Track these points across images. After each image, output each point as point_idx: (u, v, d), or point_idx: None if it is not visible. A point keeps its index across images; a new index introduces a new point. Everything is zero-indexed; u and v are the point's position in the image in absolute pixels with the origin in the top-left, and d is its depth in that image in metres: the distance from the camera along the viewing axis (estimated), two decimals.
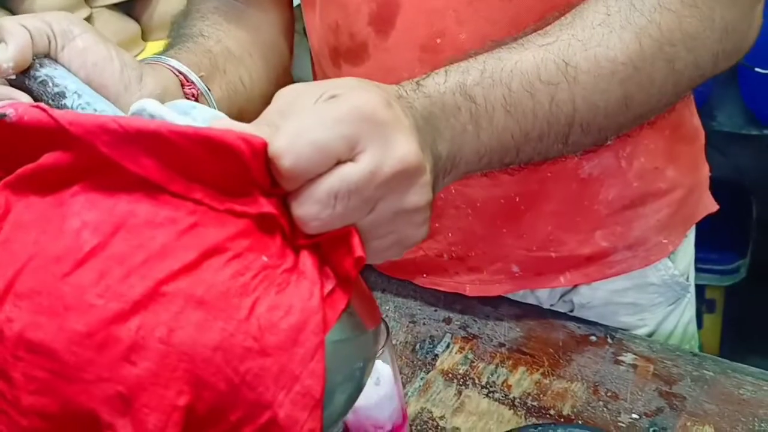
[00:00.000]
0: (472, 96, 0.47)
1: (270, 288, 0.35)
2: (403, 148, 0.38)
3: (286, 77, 0.74)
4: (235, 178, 0.35)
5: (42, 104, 0.36)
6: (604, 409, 0.69)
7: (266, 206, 0.36)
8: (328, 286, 0.37)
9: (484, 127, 0.47)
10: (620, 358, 0.74)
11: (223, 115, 0.41)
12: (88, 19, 1.13)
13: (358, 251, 0.37)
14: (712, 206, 0.79)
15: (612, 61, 0.51)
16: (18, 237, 0.35)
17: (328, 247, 0.37)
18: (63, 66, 0.48)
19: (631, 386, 0.71)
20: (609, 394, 0.70)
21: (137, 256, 0.33)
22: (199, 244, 0.34)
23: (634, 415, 0.68)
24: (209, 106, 0.59)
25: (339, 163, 0.37)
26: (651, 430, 0.66)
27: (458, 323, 0.81)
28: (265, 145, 0.35)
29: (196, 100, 0.58)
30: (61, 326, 0.32)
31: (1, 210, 0.36)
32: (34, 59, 0.47)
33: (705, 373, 0.71)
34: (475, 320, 0.81)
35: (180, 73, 0.58)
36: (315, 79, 0.80)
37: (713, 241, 1.60)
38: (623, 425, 0.67)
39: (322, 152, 0.36)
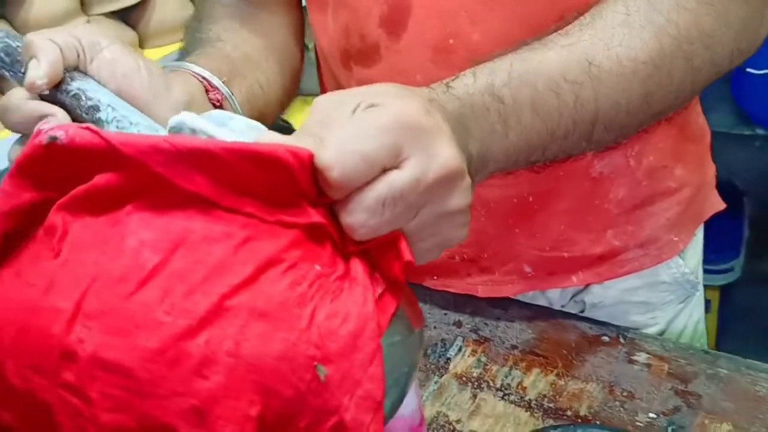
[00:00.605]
0: (500, 97, 0.47)
1: (325, 296, 0.36)
2: (445, 154, 0.39)
3: (298, 80, 0.74)
4: (284, 190, 0.36)
5: (91, 126, 0.36)
6: (621, 408, 0.68)
7: (315, 216, 0.37)
8: (378, 290, 0.38)
9: (512, 126, 0.48)
10: (634, 357, 0.74)
11: (259, 124, 0.41)
12: None
13: (407, 255, 0.38)
14: (719, 204, 0.80)
15: (633, 60, 0.51)
16: (78, 258, 0.35)
17: (377, 252, 0.38)
18: (93, 78, 0.48)
19: (646, 385, 0.70)
20: (625, 393, 0.70)
21: (198, 272, 0.34)
22: (255, 257, 0.35)
23: (651, 415, 0.68)
24: (233, 111, 0.59)
25: (384, 171, 0.37)
26: (669, 429, 0.66)
27: (469, 326, 0.80)
28: (311, 157, 0.36)
29: (221, 105, 0.58)
30: (133, 345, 0.33)
31: (60, 231, 0.36)
32: (64, 73, 0.47)
33: (719, 370, 0.71)
34: (486, 323, 0.80)
35: (204, 79, 0.58)
36: (322, 82, 0.80)
37: (707, 241, 1.60)
38: (641, 425, 0.67)
39: (368, 162, 0.37)
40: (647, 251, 0.74)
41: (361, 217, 0.37)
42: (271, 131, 0.40)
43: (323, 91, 0.81)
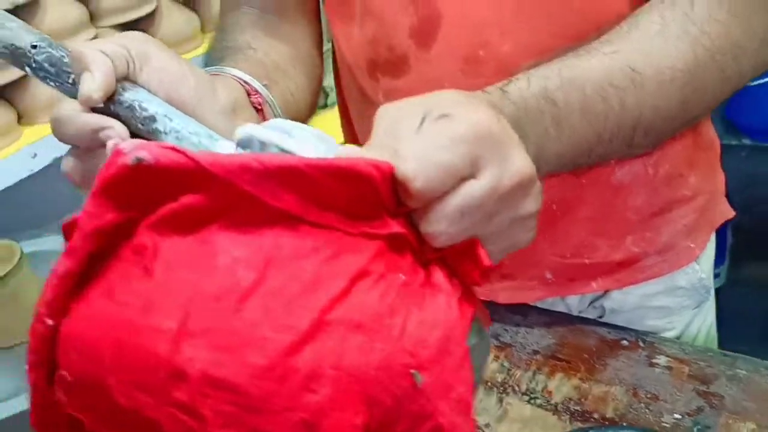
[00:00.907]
0: (553, 100, 0.49)
1: (412, 304, 0.36)
2: (518, 161, 0.40)
3: (320, 89, 0.75)
4: (365, 202, 0.37)
5: (176, 145, 0.36)
6: (647, 410, 0.70)
7: (395, 226, 0.38)
8: (457, 295, 0.39)
9: (564, 129, 0.49)
10: (654, 360, 0.76)
11: (320, 131, 0.42)
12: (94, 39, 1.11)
13: (486, 261, 0.39)
14: (729, 212, 0.82)
15: (671, 68, 0.53)
16: (172, 277, 0.35)
17: (454, 258, 0.39)
18: (143, 88, 0.48)
19: (669, 387, 0.72)
20: (649, 396, 0.72)
21: (293, 287, 0.35)
22: (345, 270, 0.36)
23: (676, 416, 0.69)
24: (274, 115, 0.59)
25: (462, 180, 0.38)
26: (695, 429, 0.68)
27: (490, 332, 0.81)
28: (392, 169, 0.37)
29: (261, 108, 0.58)
30: (241, 362, 0.34)
31: (150, 251, 0.36)
32: (116, 84, 0.47)
33: (739, 371, 0.73)
34: (506, 329, 0.82)
35: (245, 82, 0.58)
36: (341, 92, 0.81)
37: None
38: (668, 425, 0.68)
39: (449, 173, 0.38)
40: (665, 257, 0.76)
41: (441, 226, 0.38)
42: (337, 144, 0.40)
43: (342, 100, 0.82)
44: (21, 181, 0.90)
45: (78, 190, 0.49)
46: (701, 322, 0.83)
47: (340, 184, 0.36)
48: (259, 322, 0.34)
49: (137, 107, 0.47)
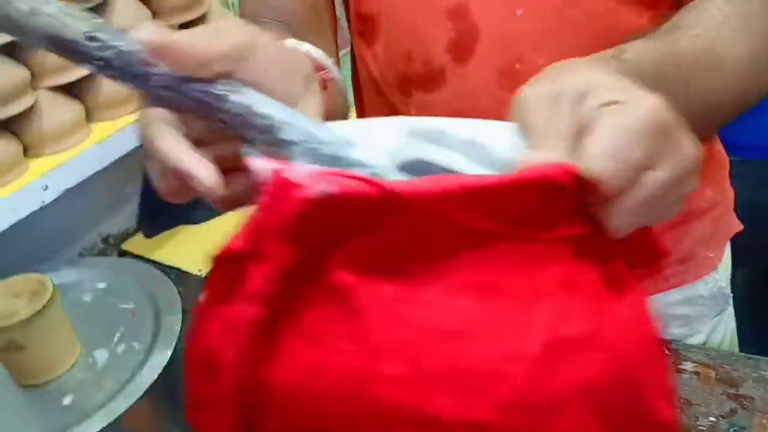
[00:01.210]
0: (662, 74, 0.49)
1: (610, 305, 0.36)
2: (689, 146, 0.39)
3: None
4: (551, 206, 0.36)
5: (361, 174, 0.34)
6: (683, 415, 0.72)
7: (580, 226, 0.37)
8: (640, 287, 0.38)
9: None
10: (681, 366, 0.78)
11: (471, 133, 0.40)
12: None
13: (664, 248, 0.39)
14: (738, 225, 0.86)
15: (736, 57, 0.56)
16: (385, 317, 0.34)
17: (630, 249, 0.38)
18: (250, 88, 0.41)
19: (699, 392, 0.75)
20: (682, 401, 0.74)
21: (512, 311, 0.34)
22: (551, 281, 0.35)
23: (711, 419, 0.72)
24: (341, 94, 0.58)
25: (643, 171, 0.38)
26: (731, 430, 0.70)
27: None
28: (575, 170, 0.36)
29: (326, 87, 0.57)
30: (489, 399, 0.33)
31: (351, 290, 0.34)
32: (217, 86, 0.41)
33: (764, 374, 0.76)
34: None
35: (313, 57, 0.56)
36: (361, 107, 0.81)
37: None
38: (704, 428, 0.71)
39: (633, 169, 0.37)
40: (687, 267, 0.79)
41: (626, 219, 0.37)
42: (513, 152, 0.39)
43: (363, 116, 0.83)
44: (32, 213, 0.88)
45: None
46: (725, 329, 0.86)
47: (531, 195, 0.35)
48: (492, 353, 0.33)
49: (252, 114, 0.41)
